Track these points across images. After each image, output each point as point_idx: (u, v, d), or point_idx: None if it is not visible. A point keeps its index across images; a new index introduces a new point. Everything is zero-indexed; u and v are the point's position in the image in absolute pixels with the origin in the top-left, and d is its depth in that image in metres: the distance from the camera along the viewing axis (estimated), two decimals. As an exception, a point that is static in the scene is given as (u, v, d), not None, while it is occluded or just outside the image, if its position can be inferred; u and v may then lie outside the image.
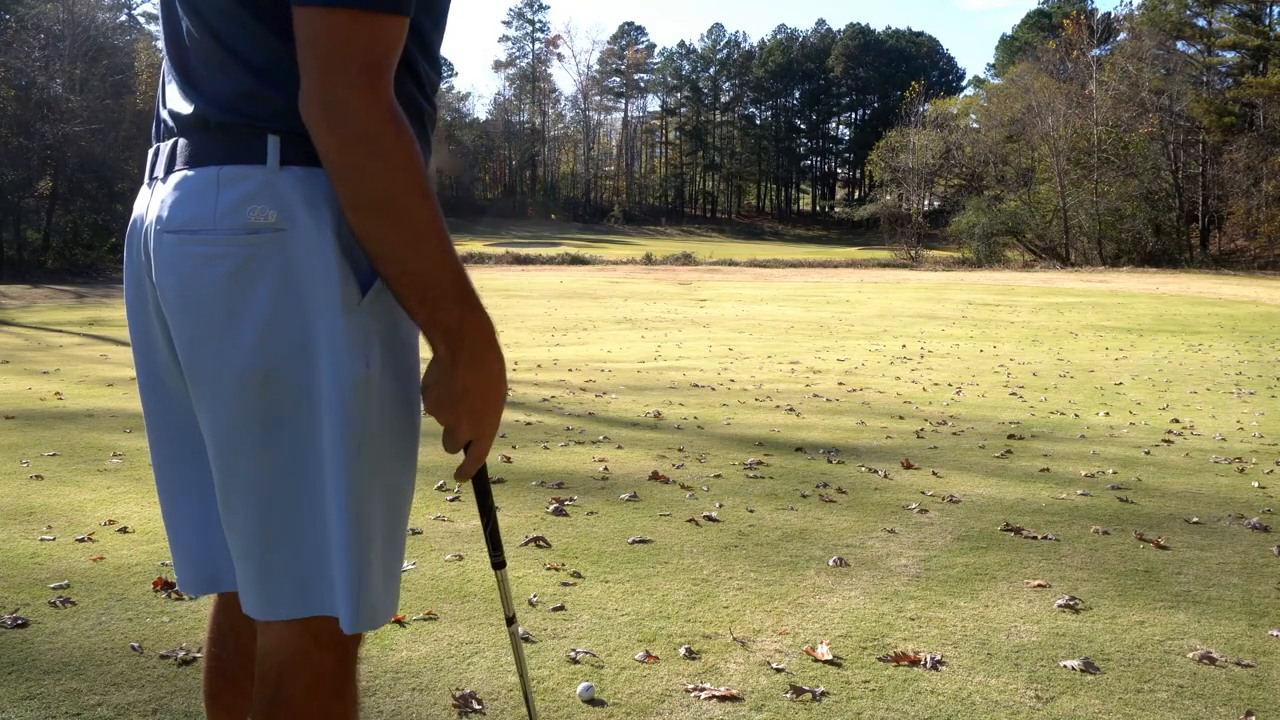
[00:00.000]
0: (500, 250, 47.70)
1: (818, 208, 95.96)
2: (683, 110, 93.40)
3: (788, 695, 2.58)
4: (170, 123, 1.23)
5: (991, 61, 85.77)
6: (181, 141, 1.19)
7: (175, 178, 1.18)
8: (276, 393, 1.14)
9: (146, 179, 1.26)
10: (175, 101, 1.22)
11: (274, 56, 1.13)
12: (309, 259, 1.12)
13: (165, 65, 1.27)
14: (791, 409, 7.79)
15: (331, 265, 1.12)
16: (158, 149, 1.24)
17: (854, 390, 9.05)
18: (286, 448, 1.15)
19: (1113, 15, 56.69)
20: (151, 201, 1.22)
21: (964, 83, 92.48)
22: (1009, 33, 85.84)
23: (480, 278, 32.01)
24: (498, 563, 1.41)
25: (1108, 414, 7.76)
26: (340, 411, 1.13)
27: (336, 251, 1.13)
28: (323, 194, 1.13)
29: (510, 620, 1.46)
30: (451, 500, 4.59)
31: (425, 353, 1.22)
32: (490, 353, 1.17)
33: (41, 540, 3.85)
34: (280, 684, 1.21)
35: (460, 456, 1.24)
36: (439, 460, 5.46)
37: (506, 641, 2.90)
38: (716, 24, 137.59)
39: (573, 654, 2.82)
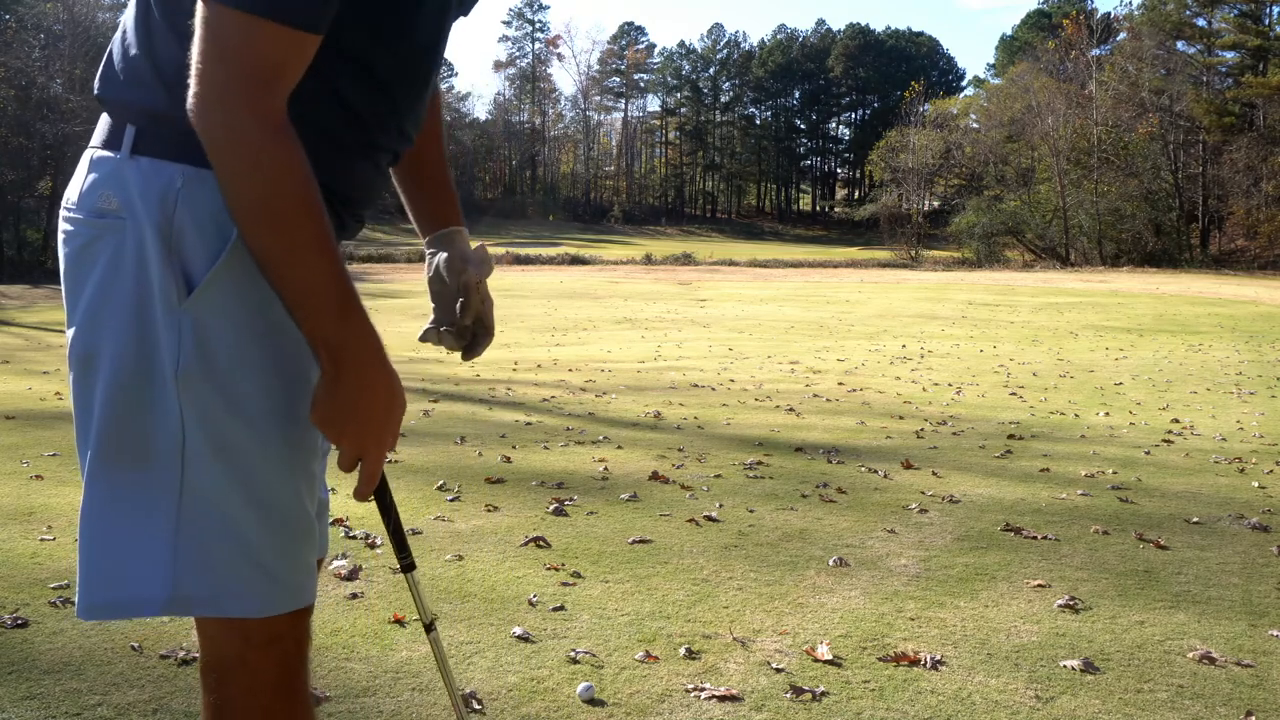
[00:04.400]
0: (500, 250, 47.68)
1: (818, 208, 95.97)
2: (683, 110, 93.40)
3: (788, 695, 2.58)
4: None
5: (991, 61, 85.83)
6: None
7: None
8: (93, 376, 1.15)
9: None
10: None
11: (147, 46, 1.15)
12: (138, 249, 1.12)
13: None
14: (791, 409, 7.79)
15: (156, 259, 1.12)
16: None
17: (854, 390, 9.05)
18: (98, 430, 1.14)
19: (1112, 15, 56.75)
20: None
21: (964, 83, 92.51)
22: (1009, 33, 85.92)
23: (480, 278, 31.96)
24: (406, 565, 1.38)
25: (1108, 414, 7.76)
26: (149, 402, 1.13)
27: (161, 246, 1.12)
28: (160, 187, 1.12)
29: (429, 628, 1.42)
30: (451, 500, 4.59)
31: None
32: (374, 368, 1.13)
33: (41, 540, 3.85)
34: (219, 687, 1.20)
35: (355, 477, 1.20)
36: (439, 460, 5.47)
37: (507, 641, 2.91)
38: (716, 24, 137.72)
39: (573, 654, 2.82)
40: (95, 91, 1.21)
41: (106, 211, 1.14)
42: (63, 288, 1.20)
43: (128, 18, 1.19)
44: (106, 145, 1.17)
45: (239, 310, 1.15)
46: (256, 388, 1.16)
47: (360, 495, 1.22)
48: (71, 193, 1.19)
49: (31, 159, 36.59)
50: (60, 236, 1.19)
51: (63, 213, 1.20)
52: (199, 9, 1.05)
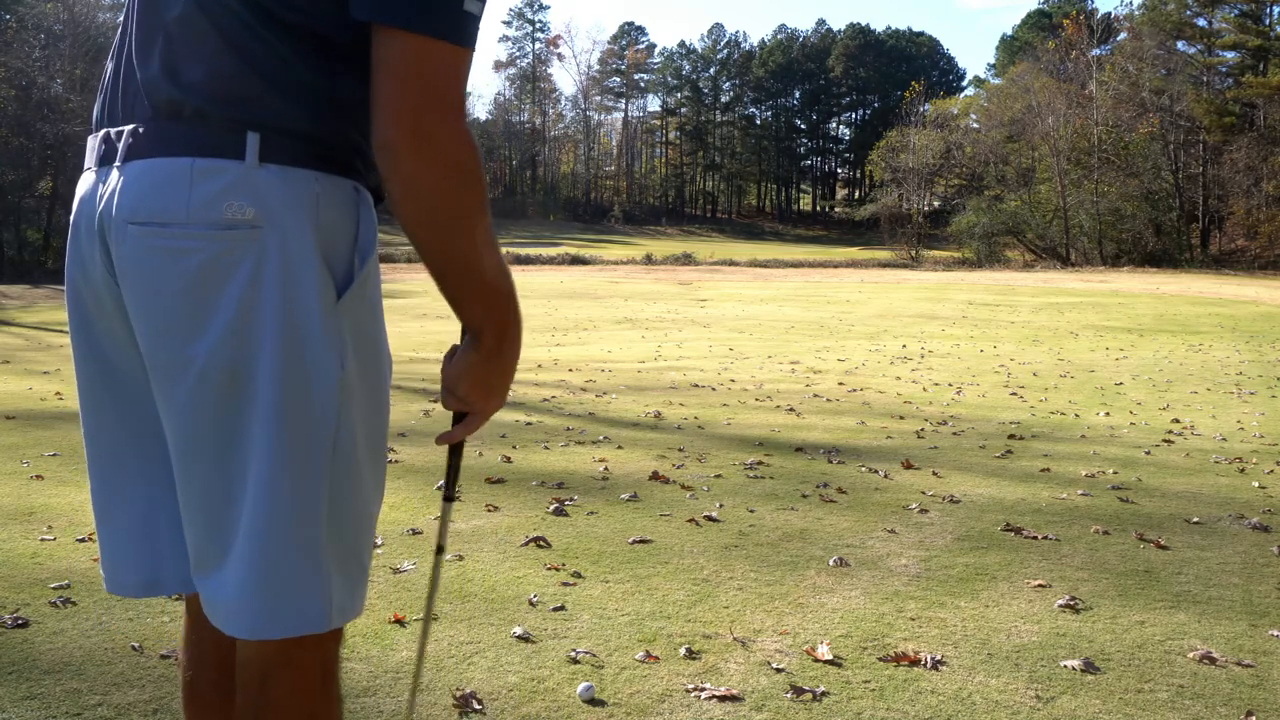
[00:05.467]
0: (500, 250, 47.74)
1: (818, 208, 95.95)
2: (683, 110, 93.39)
3: (788, 695, 2.58)
4: (126, 108, 1.20)
5: (991, 61, 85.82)
6: (146, 128, 1.16)
7: (139, 165, 1.15)
8: (242, 390, 1.12)
9: (94, 164, 1.22)
10: (141, 85, 1.18)
11: (274, 55, 1.13)
12: (286, 258, 1.12)
13: (126, 47, 1.24)
14: (791, 409, 7.79)
15: (312, 266, 1.13)
16: (108, 133, 1.21)
17: (854, 390, 9.05)
18: (274, 446, 1.13)
19: (1113, 15, 56.75)
20: (105, 189, 1.18)
21: (964, 83, 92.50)
22: (1009, 33, 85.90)
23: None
24: (449, 496, 1.44)
25: (1108, 414, 7.76)
26: (315, 412, 1.14)
27: (317, 253, 1.13)
28: (303, 194, 1.13)
29: (439, 550, 1.47)
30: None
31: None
32: (519, 340, 1.28)
33: (41, 540, 3.85)
34: (264, 688, 1.20)
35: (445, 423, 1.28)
36: (439, 460, 5.46)
37: (507, 641, 2.91)
38: (716, 24, 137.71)
39: (573, 654, 2.82)
40: (178, 100, 1.14)
41: (238, 223, 1.11)
42: (158, 302, 1.13)
43: (192, 25, 1.15)
44: (209, 153, 1.12)
45: (370, 304, 1.21)
46: (382, 379, 1.24)
47: (452, 439, 1.33)
48: (161, 205, 1.12)
49: (31, 159, 36.58)
50: (157, 255, 1.12)
51: (146, 229, 1.12)
52: (392, 39, 1.09)
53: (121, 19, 1.28)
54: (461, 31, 1.11)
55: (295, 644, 1.19)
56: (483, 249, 1.17)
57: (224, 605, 1.17)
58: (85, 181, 1.24)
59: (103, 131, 1.22)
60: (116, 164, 1.18)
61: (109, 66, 1.28)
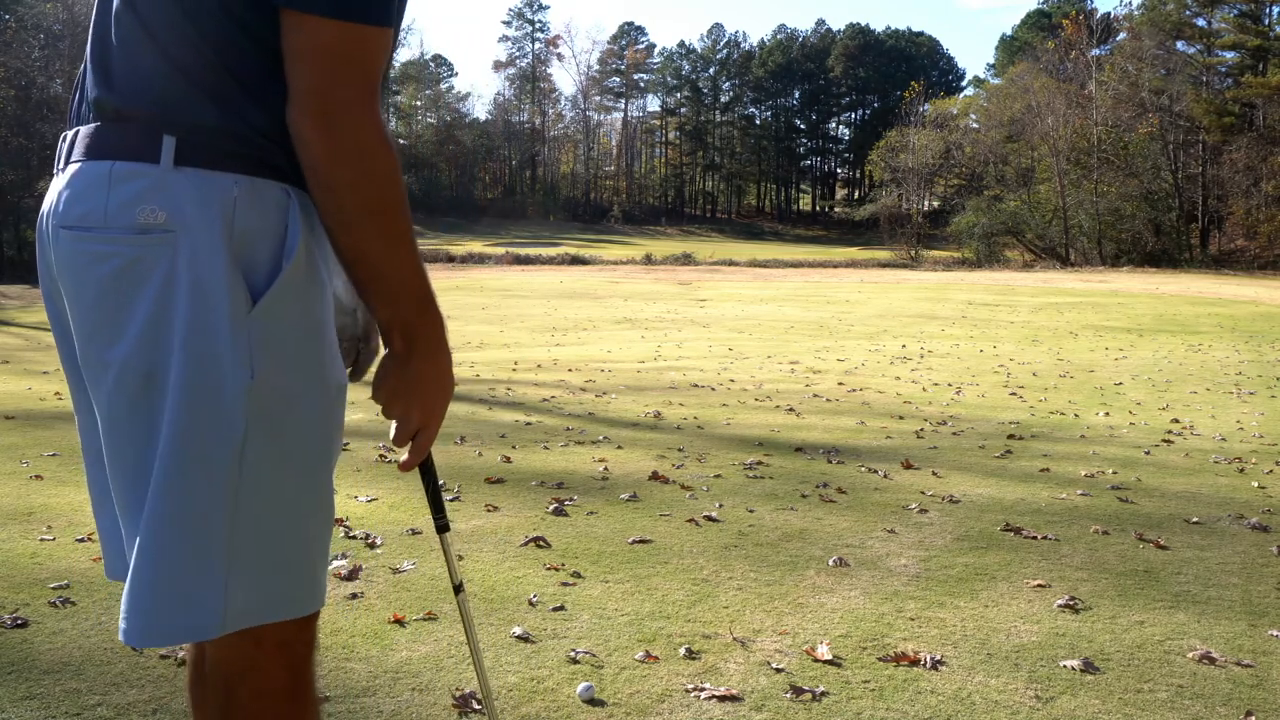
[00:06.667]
0: (500, 250, 47.70)
1: (818, 208, 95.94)
2: (683, 110, 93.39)
3: (788, 695, 2.58)
4: (81, 110, 1.21)
5: (991, 61, 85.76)
6: (83, 130, 1.17)
7: (72, 169, 1.16)
8: (157, 394, 1.11)
9: (58, 167, 1.22)
10: (89, 88, 1.18)
11: (197, 55, 1.11)
12: (198, 263, 1.10)
13: (88, 50, 1.23)
14: (791, 409, 7.79)
15: (222, 272, 1.10)
16: (64, 136, 1.22)
17: (854, 390, 9.05)
18: (169, 449, 1.11)
19: (1112, 15, 56.70)
20: (52, 193, 1.19)
21: (964, 83, 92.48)
22: (1009, 33, 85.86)
23: (480, 278, 32.04)
24: (441, 526, 1.43)
25: (1108, 414, 7.76)
26: (219, 419, 1.11)
27: (227, 258, 1.11)
28: (216, 198, 1.11)
29: (458, 589, 1.47)
30: (451, 500, 4.59)
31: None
32: (441, 348, 1.23)
33: (41, 540, 3.85)
34: (230, 692, 1.20)
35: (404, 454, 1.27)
36: (439, 460, 5.45)
37: (507, 641, 2.91)
38: (716, 24, 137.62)
39: (573, 654, 2.82)
40: (106, 102, 1.14)
41: (151, 227, 1.10)
42: (82, 306, 1.14)
43: (122, 24, 1.15)
44: (128, 157, 1.11)
45: (296, 314, 1.16)
46: (310, 390, 1.18)
47: (408, 465, 1.29)
48: (84, 209, 1.12)
49: (31, 159, 36.60)
50: (81, 260, 1.13)
51: (73, 234, 1.13)
52: (300, 22, 1.07)
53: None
54: (367, 10, 1.08)
55: (258, 648, 1.19)
56: (393, 244, 1.14)
57: (123, 610, 1.13)
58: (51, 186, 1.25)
59: (67, 133, 1.23)
60: (61, 168, 1.19)
61: (83, 65, 1.28)
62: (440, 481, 1.45)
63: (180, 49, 1.11)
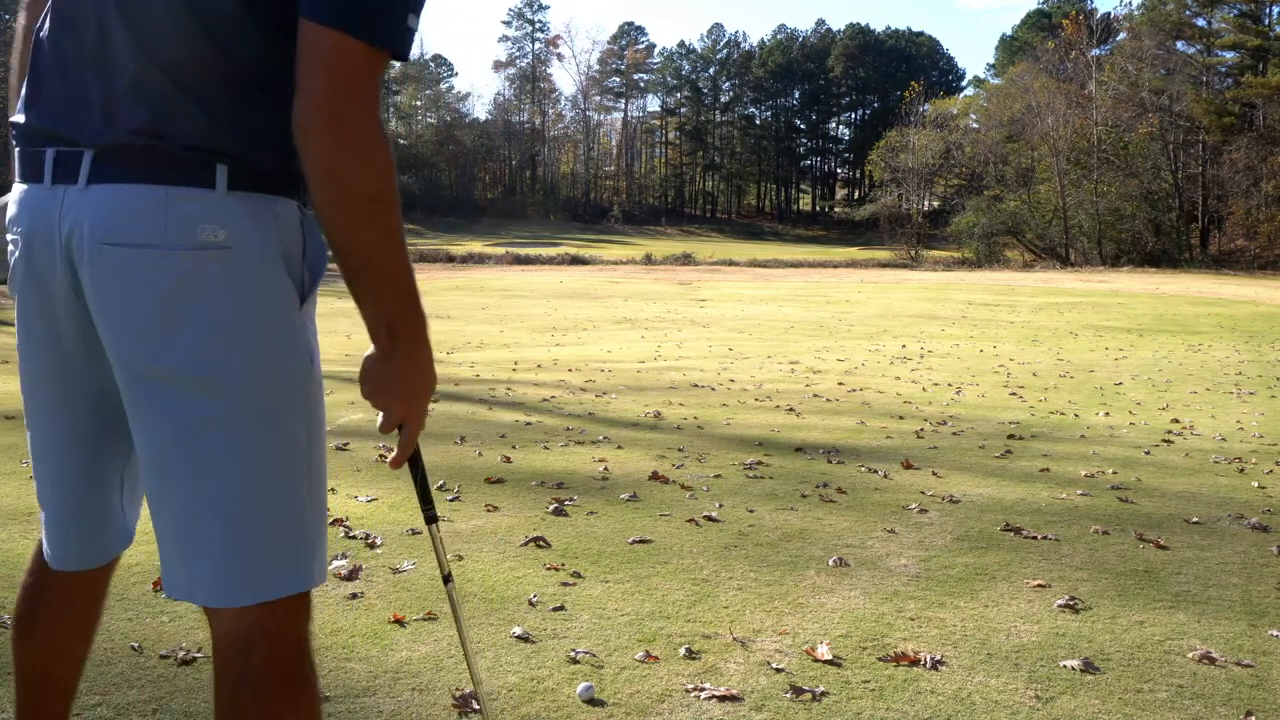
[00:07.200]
0: (500, 250, 47.70)
1: (818, 208, 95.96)
2: (683, 110, 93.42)
3: (788, 695, 2.58)
4: (76, 123, 1.29)
5: (991, 61, 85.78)
6: (113, 155, 1.27)
7: (109, 190, 1.26)
8: (220, 391, 1.26)
9: (46, 180, 1.31)
10: (98, 106, 1.28)
11: (230, 95, 1.26)
12: (255, 274, 1.27)
13: (63, 51, 1.32)
14: (791, 409, 7.79)
15: (278, 280, 1.29)
16: (60, 152, 1.30)
17: (854, 390, 9.05)
18: (245, 436, 1.27)
19: (1112, 15, 56.73)
20: (65, 209, 1.28)
21: (964, 83, 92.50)
22: (1009, 33, 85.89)
23: (480, 278, 32.03)
24: (430, 517, 1.53)
25: (1108, 414, 7.76)
26: (291, 403, 1.31)
27: (281, 268, 1.30)
28: (265, 217, 1.29)
29: (447, 579, 1.55)
30: (451, 500, 4.59)
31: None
32: (422, 343, 1.34)
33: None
34: (245, 658, 1.30)
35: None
36: (439, 461, 5.46)
37: (507, 641, 2.91)
38: (716, 24, 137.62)
39: (573, 654, 2.82)
40: (154, 131, 1.25)
41: (210, 244, 1.25)
42: (135, 315, 1.26)
43: (153, 57, 1.26)
44: (181, 182, 1.25)
45: (312, 313, 1.37)
46: (310, 376, 1.36)
47: (398, 461, 1.42)
48: (140, 227, 1.24)
49: (31, 159, 36.58)
50: (137, 273, 1.25)
51: (122, 250, 1.25)
52: (315, 31, 1.20)
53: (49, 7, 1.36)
54: (387, 38, 1.23)
55: (270, 615, 1.30)
56: (386, 239, 1.25)
57: (209, 581, 1.29)
58: (31, 199, 1.33)
59: (53, 150, 1.31)
60: (79, 186, 1.28)
61: (40, 56, 1.36)
62: (426, 475, 1.54)
63: (218, 92, 1.26)
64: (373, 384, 1.35)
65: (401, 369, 1.33)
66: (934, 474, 5.40)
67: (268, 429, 1.28)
